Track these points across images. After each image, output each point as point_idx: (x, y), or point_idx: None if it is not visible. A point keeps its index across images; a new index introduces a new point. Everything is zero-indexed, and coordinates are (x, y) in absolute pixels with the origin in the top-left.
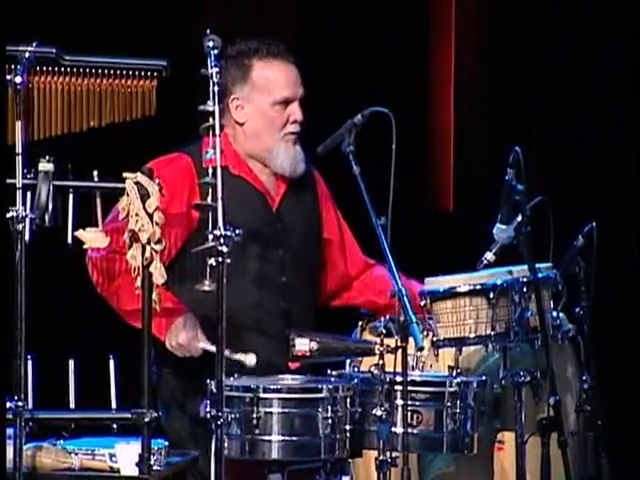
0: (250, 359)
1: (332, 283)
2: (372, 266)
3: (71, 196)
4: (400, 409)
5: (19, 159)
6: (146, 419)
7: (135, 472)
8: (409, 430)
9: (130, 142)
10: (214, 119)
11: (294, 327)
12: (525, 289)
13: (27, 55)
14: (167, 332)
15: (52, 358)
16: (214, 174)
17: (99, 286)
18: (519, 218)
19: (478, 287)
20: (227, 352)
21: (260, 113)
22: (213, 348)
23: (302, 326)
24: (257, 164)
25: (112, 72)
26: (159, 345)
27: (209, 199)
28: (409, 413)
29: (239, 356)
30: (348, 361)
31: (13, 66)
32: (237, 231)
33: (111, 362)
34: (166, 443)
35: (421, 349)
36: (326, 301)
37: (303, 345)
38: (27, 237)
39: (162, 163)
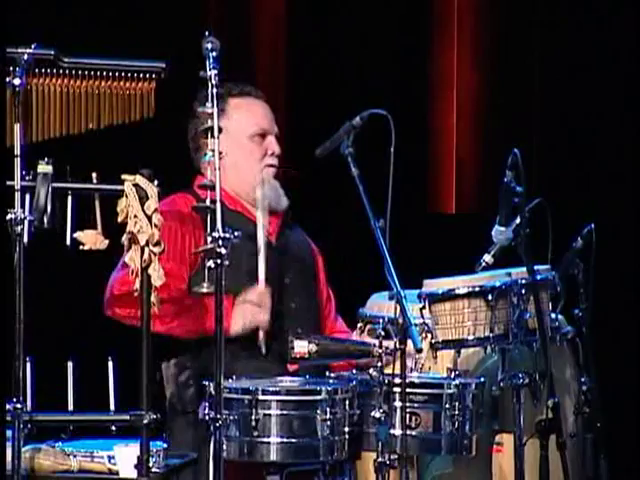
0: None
1: None
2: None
3: (70, 198)
4: (399, 411)
5: (18, 161)
6: (145, 421)
7: (134, 474)
8: (408, 432)
9: (129, 144)
10: (213, 121)
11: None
12: (524, 291)
13: (26, 57)
14: (231, 318)
15: (51, 360)
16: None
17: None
18: (518, 220)
19: (477, 289)
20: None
21: (238, 145)
22: None
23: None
24: (246, 203)
25: (111, 74)
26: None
27: (207, 201)
28: (408, 415)
29: None
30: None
31: (12, 68)
32: (236, 233)
33: (110, 364)
34: (165, 445)
35: (419, 351)
36: None
37: (302, 347)
38: (26, 239)
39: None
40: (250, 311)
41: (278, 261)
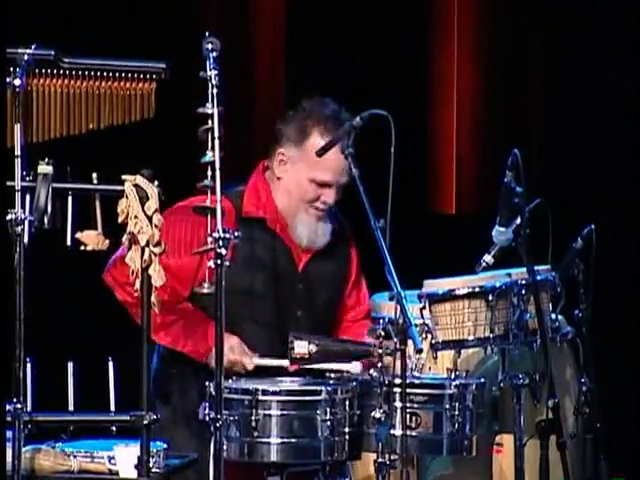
0: (286, 362)
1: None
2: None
3: (70, 198)
4: (399, 411)
5: (18, 161)
6: (145, 421)
7: (134, 475)
8: (408, 432)
9: (129, 145)
10: (213, 122)
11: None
12: (524, 291)
13: (26, 57)
14: (209, 353)
15: (51, 360)
16: (213, 177)
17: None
18: (518, 220)
19: (477, 289)
20: (262, 361)
21: (296, 180)
22: (269, 362)
23: None
24: (285, 223)
25: (111, 74)
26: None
27: (207, 202)
28: (408, 415)
29: (276, 362)
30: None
31: (12, 68)
32: (236, 233)
33: (110, 364)
34: (165, 445)
35: (420, 351)
36: None
37: (302, 348)
38: (26, 240)
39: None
40: (235, 353)
41: (297, 292)
